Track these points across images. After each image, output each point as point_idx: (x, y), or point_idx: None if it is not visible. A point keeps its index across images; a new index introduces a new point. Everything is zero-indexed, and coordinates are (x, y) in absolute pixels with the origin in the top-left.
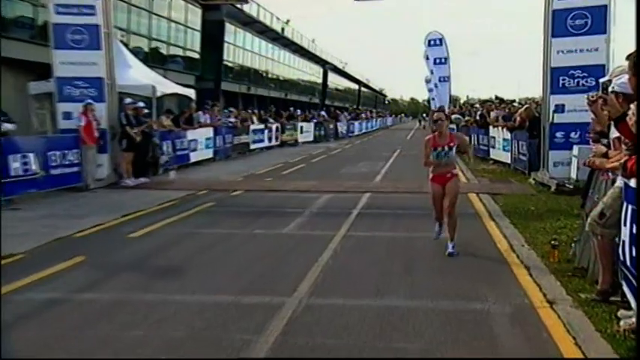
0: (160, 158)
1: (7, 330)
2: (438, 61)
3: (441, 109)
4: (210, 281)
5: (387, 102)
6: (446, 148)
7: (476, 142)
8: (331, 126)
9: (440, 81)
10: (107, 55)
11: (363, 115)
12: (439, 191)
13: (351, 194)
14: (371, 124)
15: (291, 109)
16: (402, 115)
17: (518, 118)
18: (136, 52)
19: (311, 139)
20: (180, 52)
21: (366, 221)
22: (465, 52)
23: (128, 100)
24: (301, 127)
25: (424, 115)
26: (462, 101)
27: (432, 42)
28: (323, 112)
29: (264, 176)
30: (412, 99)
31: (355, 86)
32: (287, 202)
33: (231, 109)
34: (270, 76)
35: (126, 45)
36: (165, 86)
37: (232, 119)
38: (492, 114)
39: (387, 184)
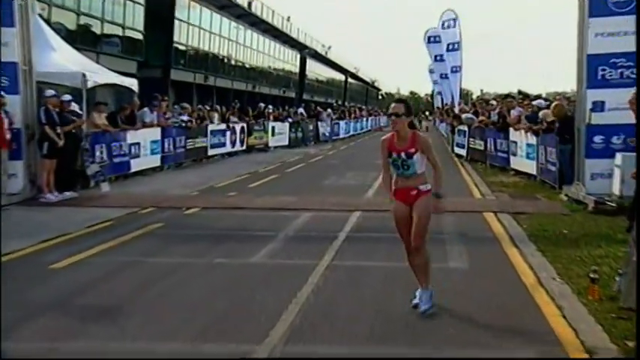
0: (89, 167)
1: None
2: (450, 47)
3: (401, 100)
4: (157, 324)
5: (381, 96)
6: (403, 155)
7: (492, 149)
8: (311, 127)
9: (452, 71)
10: (22, 34)
11: (351, 114)
12: (402, 213)
13: (337, 213)
14: (360, 124)
15: (261, 105)
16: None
17: (545, 119)
18: (60, 30)
19: (285, 142)
20: (118, 31)
21: (355, 247)
22: (477, 34)
23: (50, 92)
24: (273, 128)
25: (426, 113)
26: (474, 96)
27: (446, 24)
28: (301, 110)
29: (227, 190)
30: (412, 93)
31: (341, 77)
32: (256, 224)
33: (184, 104)
34: (233, 63)
35: (47, 21)
36: (99, 74)
37: (185, 117)
38: (513, 112)
39: (381, 201)
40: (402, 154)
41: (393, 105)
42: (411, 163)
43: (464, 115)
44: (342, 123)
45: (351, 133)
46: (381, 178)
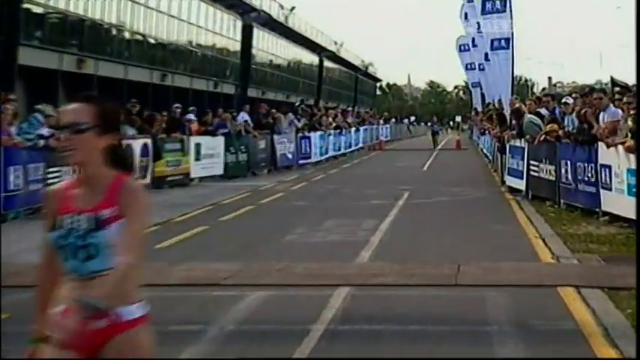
0: None
1: None
2: (491, 5)
3: (89, 97)
4: None
5: (380, 90)
6: (84, 222)
7: (570, 178)
8: (262, 144)
9: (493, 48)
10: None
11: (330, 121)
12: None
13: (310, 290)
14: (346, 138)
15: (176, 107)
16: (410, 119)
17: None
18: None
19: (219, 171)
20: None
21: (342, 352)
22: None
23: None
24: (198, 148)
25: (457, 120)
26: (537, 89)
27: None
28: (244, 116)
29: None
30: (432, 85)
31: (312, 59)
32: (170, 312)
33: (44, 106)
34: (128, 37)
35: None
36: None
37: (45, 131)
38: (604, 116)
39: (384, 268)
40: (83, 220)
41: (66, 107)
42: (98, 244)
43: (528, 117)
44: (314, 137)
45: (331, 153)
46: (40, 277)
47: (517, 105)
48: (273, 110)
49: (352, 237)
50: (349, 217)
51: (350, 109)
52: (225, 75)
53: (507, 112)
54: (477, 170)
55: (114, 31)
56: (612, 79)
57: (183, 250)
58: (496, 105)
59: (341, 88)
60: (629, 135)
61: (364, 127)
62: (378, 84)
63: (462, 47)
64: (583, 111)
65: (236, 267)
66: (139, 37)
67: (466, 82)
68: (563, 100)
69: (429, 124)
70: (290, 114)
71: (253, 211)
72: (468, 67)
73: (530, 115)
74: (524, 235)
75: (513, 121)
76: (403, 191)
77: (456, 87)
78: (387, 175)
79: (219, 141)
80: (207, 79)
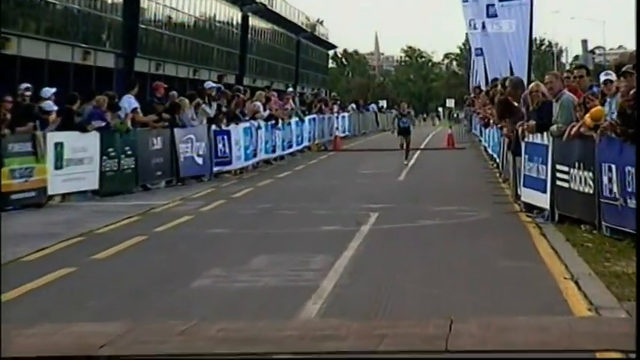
0: None
1: None
2: None
3: None
4: None
5: (334, 61)
6: None
7: (616, 191)
8: (157, 143)
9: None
10: None
11: (259, 106)
12: None
13: None
14: (284, 134)
15: (25, 88)
16: (379, 105)
17: None
18: None
19: (91, 185)
20: None
21: None
22: None
23: None
24: (58, 149)
25: (443, 107)
26: (564, 58)
27: None
28: (130, 101)
29: None
30: (411, 51)
31: (232, 14)
32: None
33: None
34: None
35: None
36: None
37: None
38: None
39: (341, 327)
40: None
41: None
42: None
43: (566, 96)
44: (236, 132)
45: (262, 156)
46: None
47: (537, 89)
48: (173, 92)
49: (293, 281)
50: (289, 252)
51: (290, 89)
52: (99, 40)
53: (524, 96)
54: (479, 179)
55: None
56: None
57: (37, 303)
58: (500, 83)
59: (276, 59)
60: None
61: (311, 116)
62: (330, 52)
63: None
64: (632, 92)
65: (118, 329)
66: None
67: (462, 49)
68: (604, 77)
69: (394, 113)
70: (198, 98)
71: (144, 244)
72: (471, 24)
73: (568, 94)
74: (548, 276)
75: (522, 109)
76: (370, 212)
77: (447, 56)
78: (345, 189)
79: (92, 139)
80: (72, 46)
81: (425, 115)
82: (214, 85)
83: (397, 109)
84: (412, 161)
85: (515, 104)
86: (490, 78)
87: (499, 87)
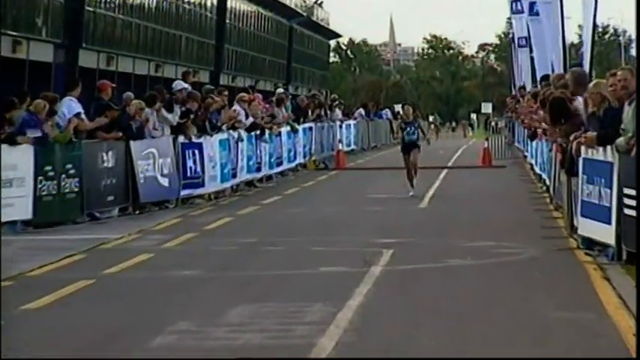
0: None
1: None
2: None
3: None
4: None
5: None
6: None
7: None
8: (108, 159)
9: None
10: None
11: (238, 111)
12: None
13: None
14: (273, 148)
15: None
16: (395, 110)
17: None
18: None
19: (23, 215)
20: None
21: None
22: None
23: None
24: None
25: (477, 113)
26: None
27: None
28: (72, 105)
29: None
30: (435, 42)
31: None
32: None
33: None
34: None
35: None
36: None
37: None
38: None
39: None
40: None
41: None
42: None
43: None
44: (209, 144)
45: (243, 176)
46: None
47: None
48: (128, 94)
49: (283, 338)
50: (278, 301)
51: (280, 90)
52: (33, 26)
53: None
54: (523, 206)
55: None
56: None
57: None
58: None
59: (262, 51)
60: None
61: (307, 125)
62: (332, 42)
63: None
64: None
65: None
66: None
67: (502, 38)
68: None
69: (399, 121)
70: (158, 101)
71: (91, 290)
72: (515, 6)
73: None
74: (614, 332)
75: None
76: (382, 248)
77: (482, 48)
78: (351, 218)
79: (24, 154)
80: None
81: (454, 124)
82: (187, 85)
83: (400, 116)
84: (437, 183)
85: (575, 106)
86: (539, 75)
87: (551, 87)
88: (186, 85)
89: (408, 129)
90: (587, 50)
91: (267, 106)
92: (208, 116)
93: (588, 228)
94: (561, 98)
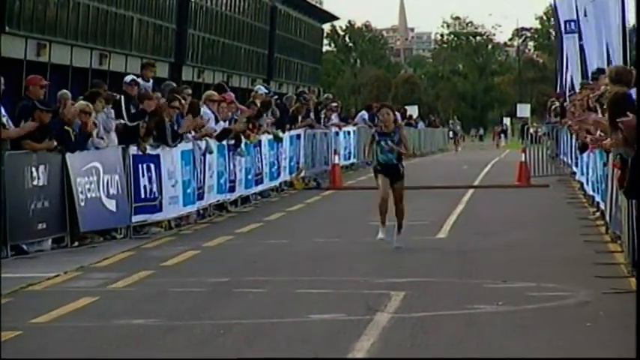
0: None
1: None
2: None
3: None
4: None
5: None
6: None
7: None
8: (39, 175)
9: None
10: None
11: (202, 117)
12: None
13: None
14: (250, 162)
15: None
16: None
17: None
18: None
19: None
20: None
21: None
22: None
23: None
24: None
25: (511, 117)
26: None
27: None
28: None
29: None
30: (457, 23)
31: None
32: None
33: None
34: None
35: None
36: None
37: None
38: None
39: None
40: None
41: None
42: None
43: None
44: (169, 158)
45: (212, 197)
46: None
47: None
48: (64, 91)
49: None
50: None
51: (260, 87)
52: None
53: None
54: (571, 236)
55: None
56: None
57: None
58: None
59: (236, 38)
60: None
61: (294, 132)
62: (325, 27)
63: None
64: None
65: None
66: None
67: (543, 22)
68: None
69: (372, 130)
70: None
71: (13, 345)
72: None
73: None
74: None
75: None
76: (390, 290)
77: (518, 34)
78: (349, 252)
79: None
80: None
81: (481, 131)
82: (145, 83)
83: (373, 122)
84: (460, 207)
85: None
86: (590, 69)
87: (609, 85)
88: (138, 79)
89: (383, 143)
90: None
91: (242, 107)
92: (168, 121)
93: None
94: (624, 94)
